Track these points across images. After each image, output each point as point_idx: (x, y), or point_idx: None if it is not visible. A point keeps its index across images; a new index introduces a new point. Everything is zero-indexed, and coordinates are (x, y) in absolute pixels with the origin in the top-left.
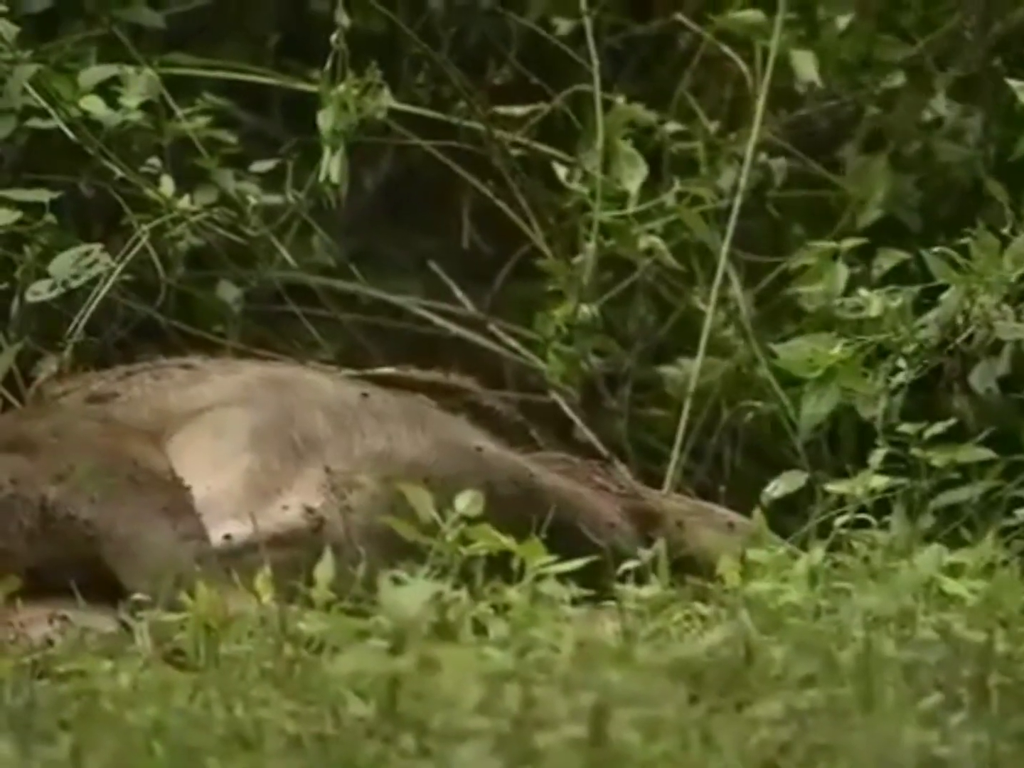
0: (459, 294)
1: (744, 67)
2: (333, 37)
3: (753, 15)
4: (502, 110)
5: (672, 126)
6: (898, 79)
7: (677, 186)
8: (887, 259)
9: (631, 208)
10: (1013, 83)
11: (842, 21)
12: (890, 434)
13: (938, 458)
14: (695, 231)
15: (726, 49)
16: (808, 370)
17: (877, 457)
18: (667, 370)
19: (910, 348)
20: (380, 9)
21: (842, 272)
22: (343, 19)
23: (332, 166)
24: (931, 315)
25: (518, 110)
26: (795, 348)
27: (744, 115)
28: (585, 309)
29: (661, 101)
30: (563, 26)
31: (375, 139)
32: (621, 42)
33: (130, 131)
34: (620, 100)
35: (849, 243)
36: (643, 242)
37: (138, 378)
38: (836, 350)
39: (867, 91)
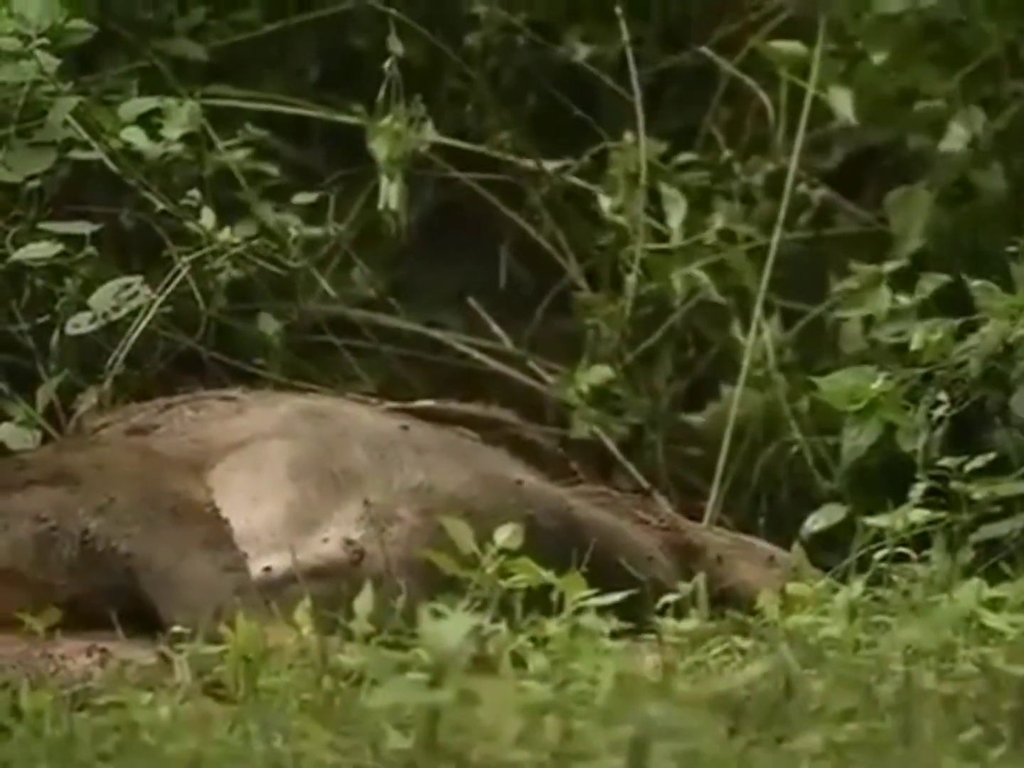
0: (497, 330)
1: (778, 100)
2: (386, 64)
3: (792, 46)
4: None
5: (698, 157)
6: (936, 107)
7: (719, 223)
8: (930, 283)
9: (673, 243)
10: None
11: (878, 56)
12: (931, 468)
13: (978, 492)
14: (737, 270)
15: (752, 81)
16: (850, 403)
17: (917, 491)
18: (702, 413)
19: (951, 380)
20: (422, 39)
21: (885, 296)
22: (397, 47)
23: (391, 193)
24: (972, 346)
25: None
26: (836, 381)
27: (782, 148)
28: (609, 371)
29: (696, 133)
30: (582, 51)
31: (418, 171)
32: (656, 74)
33: (171, 163)
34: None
35: (891, 266)
36: (685, 279)
37: (178, 410)
38: (878, 383)
39: (905, 123)
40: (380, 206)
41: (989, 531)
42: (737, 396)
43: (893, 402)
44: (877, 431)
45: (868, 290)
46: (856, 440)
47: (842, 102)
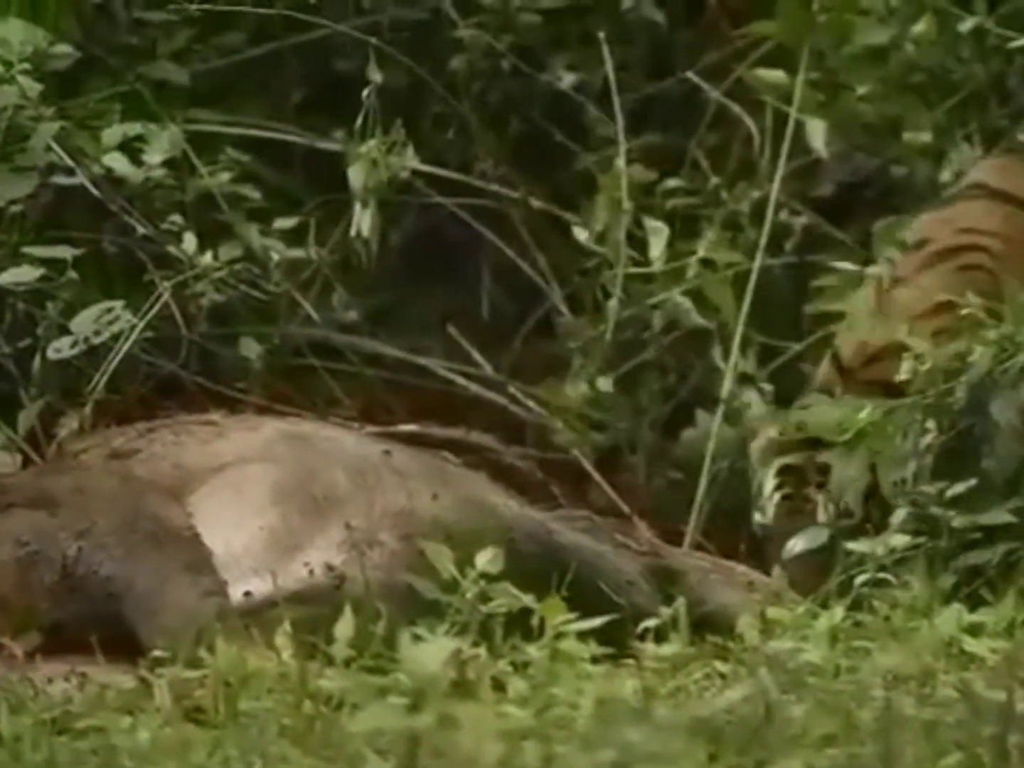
0: (477, 356)
1: (761, 125)
2: (365, 93)
3: (776, 74)
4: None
5: (680, 183)
6: (924, 137)
7: (702, 250)
8: None
9: (655, 269)
10: None
11: (861, 87)
12: (913, 494)
13: (959, 520)
14: (715, 299)
15: (738, 108)
16: (838, 433)
17: (899, 516)
18: (686, 433)
19: (939, 410)
20: (406, 64)
21: (866, 297)
22: (376, 76)
23: (363, 221)
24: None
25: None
26: (824, 412)
27: (765, 174)
28: (601, 382)
29: (681, 158)
30: (567, 78)
31: (399, 197)
32: (641, 100)
33: (153, 187)
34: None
35: (873, 270)
36: (666, 305)
37: (159, 434)
38: (865, 413)
39: (893, 153)
40: (352, 233)
41: (970, 558)
42: (716, 425)
43: (881, 432)
44: (865, 460)
45: (848, 289)
46: (844, 470)
47: (816, 133)
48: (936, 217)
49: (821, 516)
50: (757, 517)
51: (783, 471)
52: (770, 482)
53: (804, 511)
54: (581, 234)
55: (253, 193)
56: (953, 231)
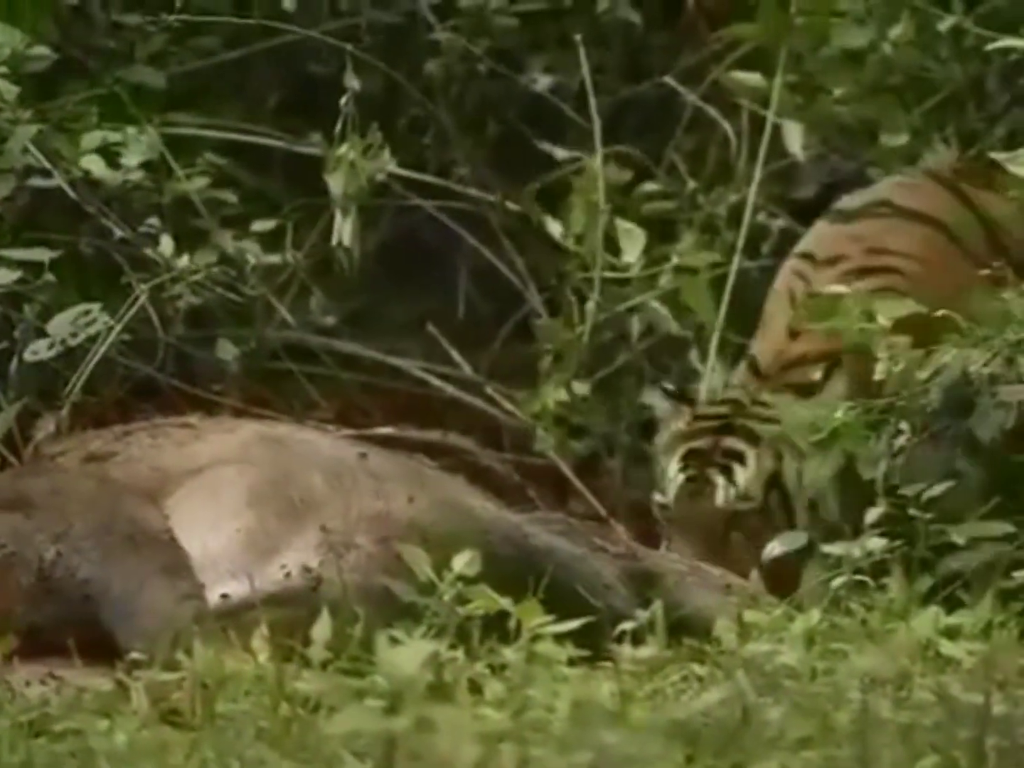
0: (457, 357)
1: (738, 128)
2: (343, 100)
3: (753, 77)
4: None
5: (656, 186)
6: (900, 140)
7: (678, 252)
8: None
9: (632, 274)
10: (999, 155)
11: (838, 89)
12: (891, 496)
13: (937, 525)
14: (692, 303)
15: (714, 111)
16: (811, 433)
17: (873, 515)
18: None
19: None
20: (382, 68)
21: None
22: (353, 82)
23: (344, 229)
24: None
25: None
26: (798, 412)
27: (742, 176)
28: (577, 386)
29: (658, 161)
30: (543, 81)
31: (377, 200)
32: (617, 103)
33: (130, 191)
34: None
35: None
36: (643, 310)
37: (136, 437)
38: (839, 413)
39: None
40: (334, 241)
41: (949, 561)
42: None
43: (855, 432)
44: (839, 461)
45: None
46: (818, 470)
47: (792, 136)
48: (845, 233)
49: (720, 498)
50: (657, 497)
51: (688, 455)
52: (674, 465)
53: (704, 493)
54: (556, 230)
55: (230, 197)
56: (864, 250)
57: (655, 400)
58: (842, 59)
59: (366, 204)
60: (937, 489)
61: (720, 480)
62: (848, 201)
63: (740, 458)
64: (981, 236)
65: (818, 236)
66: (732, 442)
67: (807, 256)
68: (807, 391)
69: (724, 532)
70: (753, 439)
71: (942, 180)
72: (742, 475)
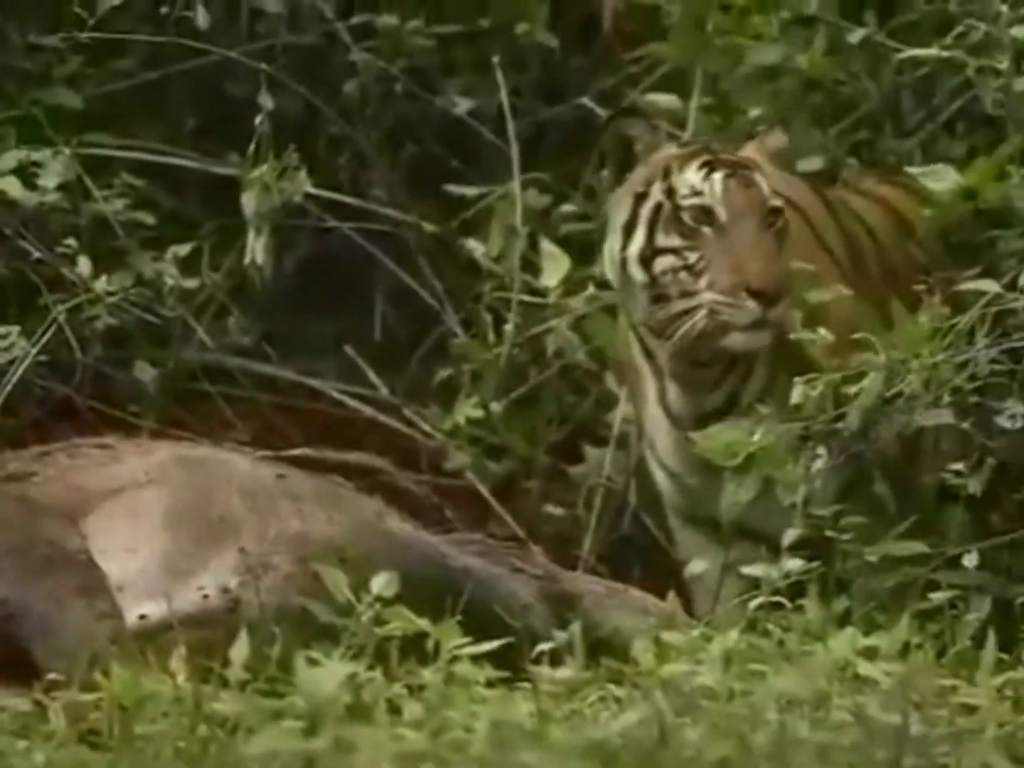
0: (373, 378)
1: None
2: (257, 120)
3: (669, 98)
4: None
5: (574, 208)
6: (815, 163)
7: (591, 289)
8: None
9: (550, 299)
10: (914, 170)
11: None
12: (809, 517)
13: (852, 547)
14: (598, 334)
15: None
16: (728, 457)
17: (789, 538)
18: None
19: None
20: (301, 91)
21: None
22: (267, 102)
23: (257, 248)
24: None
25: None
26: (714, 435)
27: None
28: (495, 406)
29: (577, 184)
30: (462, 103)
31: (293, 221)
32: (535, 125)
33: (47, 212)
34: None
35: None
36: (558, 334)
37: (54, 458)
38: (756, 437)
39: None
40: (247, 260)
41: (866, 583)
42: (610, 453)
43: (772, 456)
44: (756, 485)
45: None
46: (735, 495)
47: None
48: None
49: None
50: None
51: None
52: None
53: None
54: (476, 249)
55: (148, 218)
56: None
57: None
58: (757, 78)
59: (281, 224)
60: (855, 515)
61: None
62: None
63: None
64: (841, 241)
65: None
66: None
67: None
68: None
69: None
70: None
71: (810, 182)
72: None
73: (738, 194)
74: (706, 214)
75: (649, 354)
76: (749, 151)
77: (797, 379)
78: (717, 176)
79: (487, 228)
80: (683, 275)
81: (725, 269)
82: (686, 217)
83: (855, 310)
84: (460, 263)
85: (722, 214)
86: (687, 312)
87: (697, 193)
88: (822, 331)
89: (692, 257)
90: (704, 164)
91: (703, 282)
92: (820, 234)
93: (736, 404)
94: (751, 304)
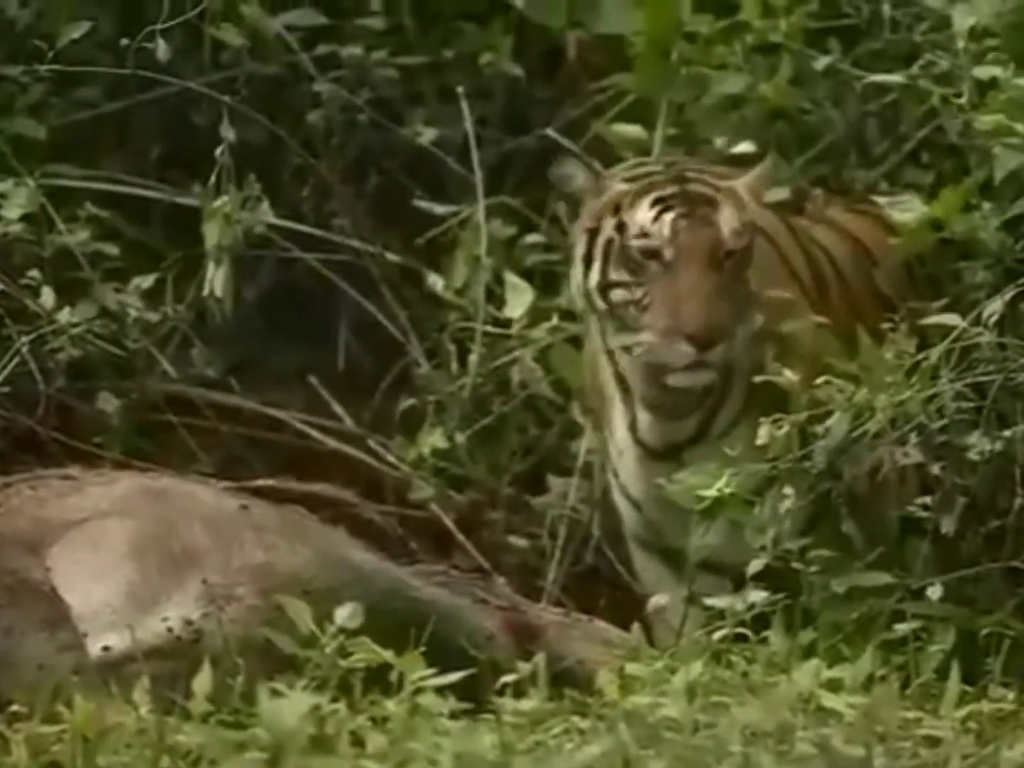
0: (338, 409)
1: None
2: (218, 151)
3: (634, 129)
4: None
5: (539, 239)
6: (781, 194)
7: (555, 320)
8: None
9: (514, 329)
10: (881, 199)
11: (719, 139)
12: (776, 549)
13: (820, 579)
14: (561, 367)
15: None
16: (695, 502)
17: (753, 568)
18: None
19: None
20: (264, 122)
21: None
22: (229, 133)
23: (216, 280)
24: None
25: None
26: (681, 480)
27: None
28: (459, 437)
29: (543, 214)
30: (428, 134)
31: (256, 251)
32: (500, 155)
33: (11, 243)
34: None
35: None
36: (522, 366)
37: (16, 489)
38: (722, 481)
39: None
40: (205, 292)
41: (832, 615)
42: (574, 483)
43: (737, 501)
44: (723, 529)
45: None
46: (703, 539)
47: None
48: None
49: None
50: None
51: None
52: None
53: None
54: (437, 283)
55: (111, 249)
56: None
57: (570, 171)
58: (722, 107)
59: (242, 255)
60: (821, 550)
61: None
62: None
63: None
64: (808, 271)
65: None
66: (698, 187)
67: None
68: None
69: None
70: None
71: (776, 209)
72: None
73: (688, 235)
74: (653, 254)
75: (621, 379)
76: (738, 183)
77: (763, 419)
78: (668, 217)
79: (451, 258)
80: (631, 309)
81: (662, 311)
82: (634, 255)
83: (825, 340)
84: (424, 294)
85: (668, 254)
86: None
87: (645, 234)
88: (788, 373)
89: (639, 293)
90: (656, 202)
91: (645, 320)
92: (789, 263)
93: (707, 433)
94: (684, 347)
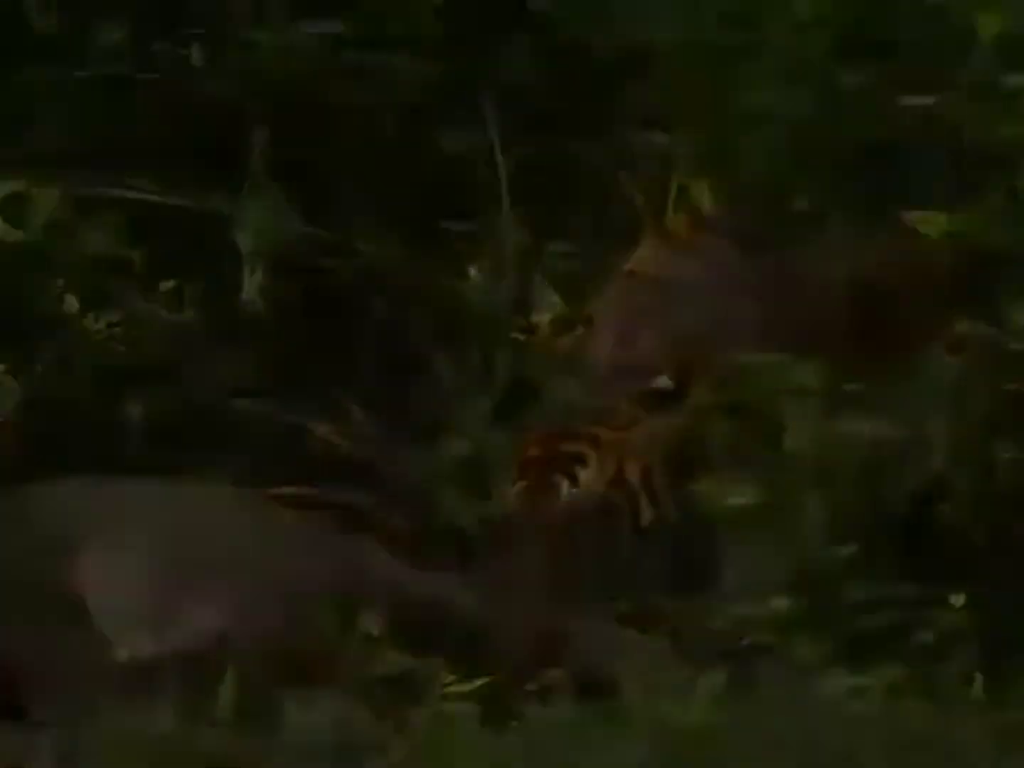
0: (361, 417)
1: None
2: (252, 156)
3: (659, 136)
4: None
5: (565, 247)
6: (802, 205)
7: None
8: None
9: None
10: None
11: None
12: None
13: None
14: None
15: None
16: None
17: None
18: None
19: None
20: (288, 126)
21: None
22: (260, 140)
23: (251, 286)
24: None
25: None
26: (714, 490)
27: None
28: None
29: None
30: (453, 141)
31: (285, 259)
32: (523, 163)
33: (36, 249)
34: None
35: None
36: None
37: (42, 494)
38: (750, 495)
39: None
40: (243, 297)
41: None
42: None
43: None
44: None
45: None
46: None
47: (703, 194)
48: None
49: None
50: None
51: (526, 463)
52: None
53: (546, 496)
54: (462, 290)
55: (135, 255)
56: None
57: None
58: (747, 118)
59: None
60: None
61: (562, 481)
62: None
63: (582, 462)
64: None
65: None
66: (573, 446)
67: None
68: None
69: (567, 536)
70: (595, 443)
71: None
72: (584, 476)
73: None
74: None
75: None
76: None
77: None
78: None
79: (477, 265)
80: None
81: None
82: None
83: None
84: (450, 302)
85: None
86: None
87: None
88: None
89: None
90: None
91: None
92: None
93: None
94: None
